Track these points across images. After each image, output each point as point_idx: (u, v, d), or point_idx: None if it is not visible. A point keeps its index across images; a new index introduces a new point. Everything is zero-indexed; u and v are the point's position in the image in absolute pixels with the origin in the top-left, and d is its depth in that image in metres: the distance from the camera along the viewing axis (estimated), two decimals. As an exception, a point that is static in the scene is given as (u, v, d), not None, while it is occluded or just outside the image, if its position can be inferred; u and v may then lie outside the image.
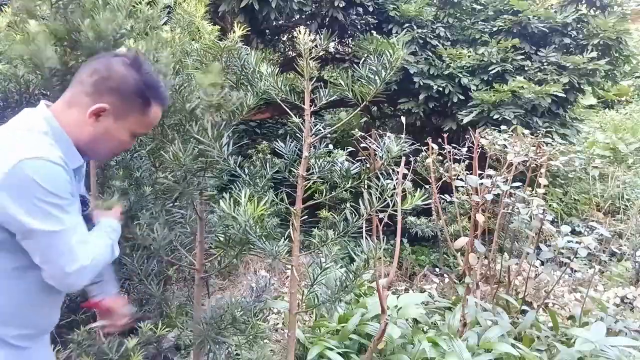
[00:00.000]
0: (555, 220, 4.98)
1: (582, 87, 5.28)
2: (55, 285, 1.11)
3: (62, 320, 1.66)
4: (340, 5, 5.11)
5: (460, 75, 5.28)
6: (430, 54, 5.44)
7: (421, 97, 5.31)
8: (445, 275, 4.37)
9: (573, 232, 3.78)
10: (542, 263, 3.71)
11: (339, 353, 2.51)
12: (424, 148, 3.85)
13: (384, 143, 1.76)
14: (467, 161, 3.73)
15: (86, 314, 1.84)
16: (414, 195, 1.62)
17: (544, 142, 3.57)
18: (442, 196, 3.99)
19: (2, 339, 1.12)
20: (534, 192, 3.25)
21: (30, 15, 1.44)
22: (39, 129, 1.11)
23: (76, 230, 1.11)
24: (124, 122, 1.20)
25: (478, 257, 3.15)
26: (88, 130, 1.16)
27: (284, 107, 1.76)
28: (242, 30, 1.55)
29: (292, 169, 1.85)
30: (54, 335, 1.45)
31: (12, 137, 1.09)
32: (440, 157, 3.75)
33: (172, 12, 1.85)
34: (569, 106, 5.38)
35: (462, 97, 5.28)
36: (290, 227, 1.77)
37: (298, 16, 5.39)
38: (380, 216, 3.35)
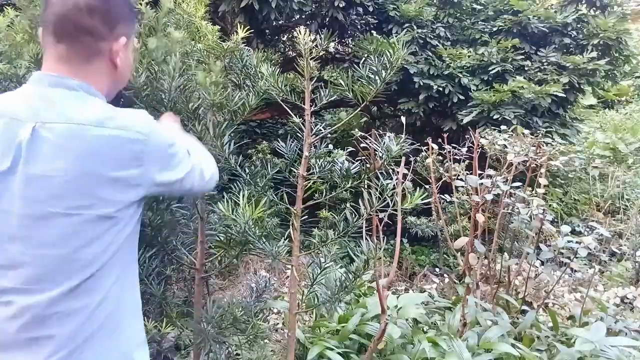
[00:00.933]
0: (555, 220, 4.98)
1: (582, 87, 5.28)
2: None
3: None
4: (340, 5, 5.11)
5: (460, 75, 5.28)
6: (430, 54, 5.44)
7: (421, 97, 5.31)
8: (445, 275, 4.37)
9: (573, 232, 3.79)
10: (542, 263, 3.71)
11: (339, 353, 2.51)
12: (424, 148, 3.85)
13: (384, 143, 1.77)
14: (467, 161, 3.73)
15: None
16: (414, 195, 1.62)
17: (544, 142, 3.57)
18: (442, 196, 3.99)
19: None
20: (534, 192, 3.25)
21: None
22: (98, 99, 1.01)
23: (188, 151, 1.14)
24: (130, 42, 1.10)
25: (478, 257, 3.15)
26: (113, 73, 1.06)
27: (285, 107, 1.76)
28: (245, 31, 1.55)
29: (292, 168, 1.85)
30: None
31: (92, 115, 0.95)
32: (440, 157, 3.75)
33: (172, 12, 1.85)
34: (569, 106, 5.38)
35: (462, 97, 5.28)
36: (291, 227, 1.78)
37: (298, 16, 5.39)
38: (380, 216, 3.36)
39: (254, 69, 1.67)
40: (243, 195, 1.46)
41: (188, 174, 1.09)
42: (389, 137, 1.88)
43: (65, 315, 0.94)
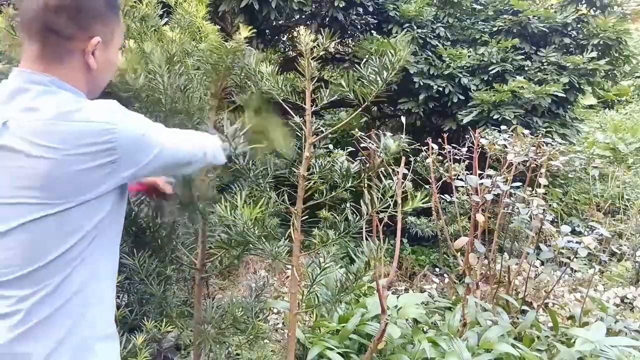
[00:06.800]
0: (555, 220, 4.98)
1: (582, 87, 5.29)
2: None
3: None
4: (340, 5, 5.11)
5: (460, 75, 5.28)
6: (430, 54, 5.44)
7: (421, 97, 5.31)
8: (445, 275, 4.37)
9: (573, 232, 3.78)
10: (542, 263, 3.71)
11: (339, 353, 2.51)
12: (424, 148, 3.85)
13: (382, 141, 1.77)
14: (467, 161, 3.73)
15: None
16: (415, 196, 1.62)
17: (544, 142, 3.57)
18: (442, 196, 3.99)
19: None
20: (534, 192, 3.25)
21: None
22: (70, 94, 0.98)
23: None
24: (113, 42, 1.06)
25: (478, 257, 3.15)
26: (89, 73, 1.02)
27: (285, 107, 1.76)
28: (249, 32, 1.55)
29: (292, 168, 1.85)
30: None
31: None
32: (440, 157, 3.75)
33: (173, 12, 1.85)
34: (569, 106, 5.39)
35: (462, 97, 5.28)
36: (291, 227, 1.77)
37: (298, 16, 5.38)
38: (380, 216, 3.35)
39: (254, 69, 1.66)
40: (241, 196, 1.46)
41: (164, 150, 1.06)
42: (385, 135, 1.88)
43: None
